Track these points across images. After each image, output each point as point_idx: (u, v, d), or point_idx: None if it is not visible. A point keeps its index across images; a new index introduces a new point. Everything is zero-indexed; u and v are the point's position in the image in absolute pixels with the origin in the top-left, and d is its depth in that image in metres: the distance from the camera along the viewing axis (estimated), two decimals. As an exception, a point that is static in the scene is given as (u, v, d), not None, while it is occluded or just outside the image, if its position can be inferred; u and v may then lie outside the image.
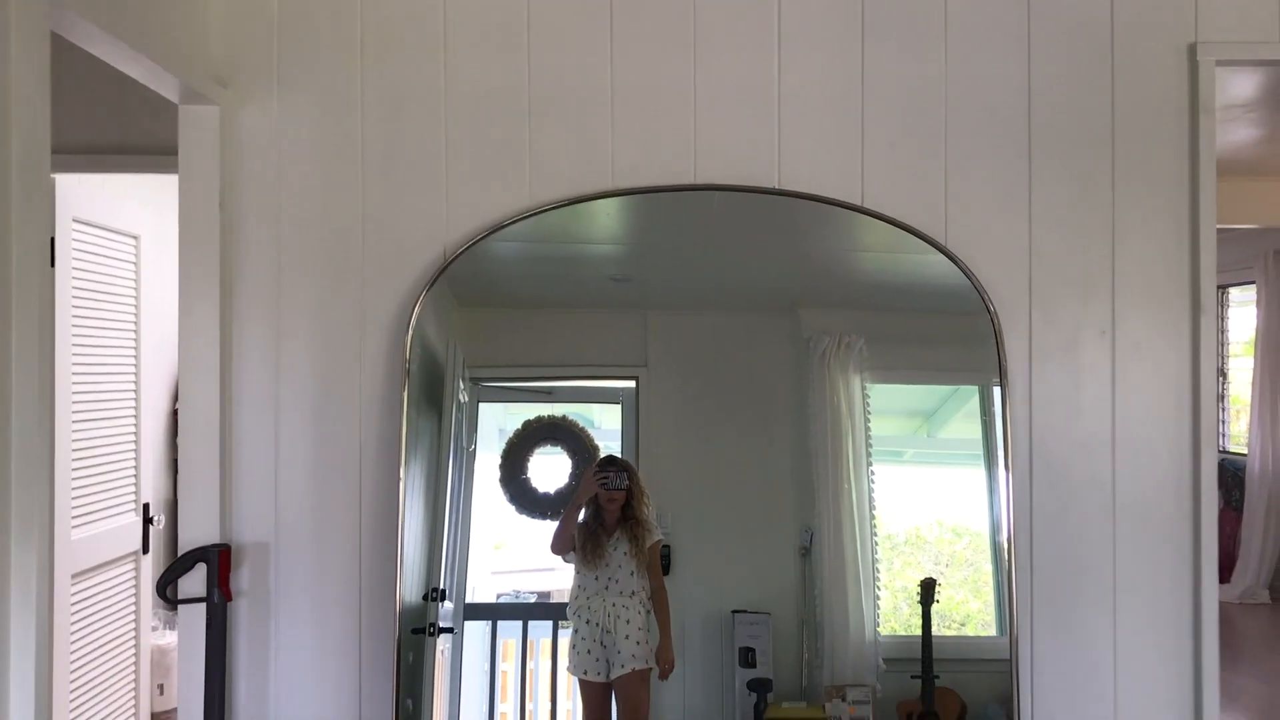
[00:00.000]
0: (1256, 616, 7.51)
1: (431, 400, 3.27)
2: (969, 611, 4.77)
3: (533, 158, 2.96)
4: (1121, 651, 2.63)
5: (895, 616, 3.68)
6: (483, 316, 3.70)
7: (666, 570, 3.28)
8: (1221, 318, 8.58)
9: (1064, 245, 2.80)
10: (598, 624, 3.21)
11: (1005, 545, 2.65)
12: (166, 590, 2.49)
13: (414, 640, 3.01)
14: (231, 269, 2.76)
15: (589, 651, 3.20)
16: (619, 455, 3.37)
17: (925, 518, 4.96)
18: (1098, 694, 2.63)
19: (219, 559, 2.51)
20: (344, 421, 2.77)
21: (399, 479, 2.66)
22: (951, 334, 3.47)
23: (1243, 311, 8.37)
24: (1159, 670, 2.63)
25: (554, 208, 3.09)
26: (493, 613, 3.62)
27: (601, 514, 3.24)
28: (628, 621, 3.21)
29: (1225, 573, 7.58)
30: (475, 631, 3.53)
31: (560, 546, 3.19)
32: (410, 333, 2.75)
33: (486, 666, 3.53)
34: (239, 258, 2.78)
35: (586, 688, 3.23)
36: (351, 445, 2.76)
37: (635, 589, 3.22)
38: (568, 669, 3.26)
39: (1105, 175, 2.77)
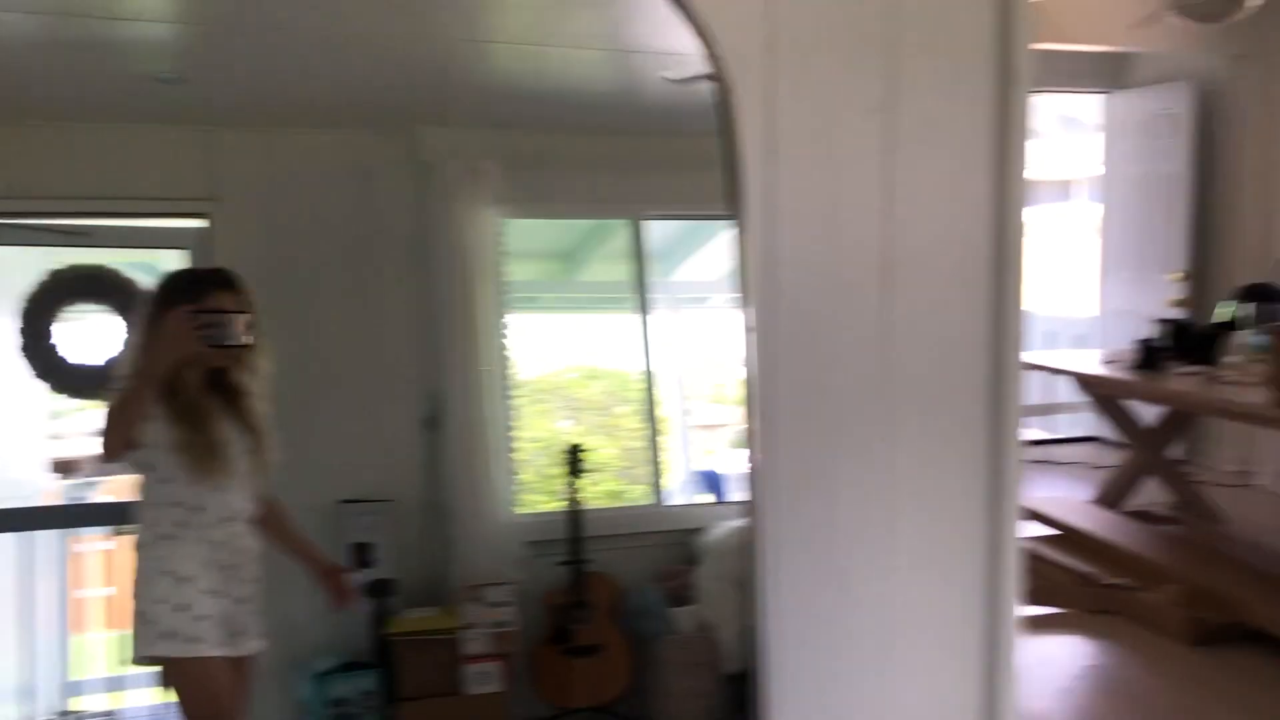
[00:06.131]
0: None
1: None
2: (605, 457, 4.36)
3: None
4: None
5: (537, 484, 3.18)
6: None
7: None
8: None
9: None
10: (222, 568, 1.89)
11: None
12: None
13: None
14: None
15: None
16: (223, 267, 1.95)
17: (561, 363, 4.53)
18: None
19: None
20: None
21: None
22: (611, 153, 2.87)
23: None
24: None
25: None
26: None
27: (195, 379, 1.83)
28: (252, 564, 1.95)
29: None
30: None
31: (119, 445, 1.78)
32: None
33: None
34: None
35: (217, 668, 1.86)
36: None
37: (246, 510, 1.93)
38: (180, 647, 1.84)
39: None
